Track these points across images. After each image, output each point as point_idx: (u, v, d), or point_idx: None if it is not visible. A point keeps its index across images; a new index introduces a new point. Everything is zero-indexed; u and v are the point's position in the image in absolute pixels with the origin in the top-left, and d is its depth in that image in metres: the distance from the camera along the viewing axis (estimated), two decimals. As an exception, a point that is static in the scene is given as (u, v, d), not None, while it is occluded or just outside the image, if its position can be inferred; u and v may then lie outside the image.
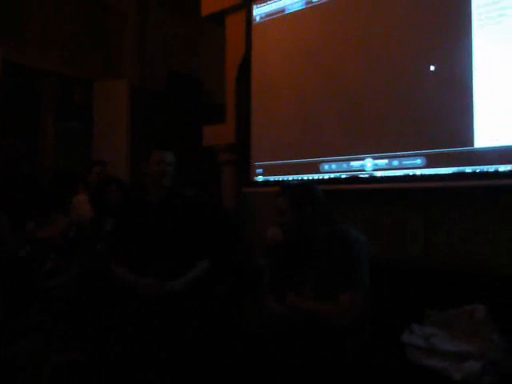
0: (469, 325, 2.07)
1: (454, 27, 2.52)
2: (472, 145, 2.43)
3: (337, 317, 1.79)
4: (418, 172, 2.63)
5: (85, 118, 5.07)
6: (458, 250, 2.61)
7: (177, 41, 5.40)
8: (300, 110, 3.23)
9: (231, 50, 3.92)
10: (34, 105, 4.87)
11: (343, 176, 2.97)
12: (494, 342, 1.96)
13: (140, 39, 5.32)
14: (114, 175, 3.39)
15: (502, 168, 2.33)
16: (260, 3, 3.53)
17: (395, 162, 2.74)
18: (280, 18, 3.40)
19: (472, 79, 2.42)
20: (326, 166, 3.06)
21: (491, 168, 2.37)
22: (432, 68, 2.58)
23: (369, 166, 2.85)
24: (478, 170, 2.41)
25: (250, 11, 3.60)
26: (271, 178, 3.39)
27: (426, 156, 2.60)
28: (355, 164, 2.91)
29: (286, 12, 3.36)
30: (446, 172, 2.52)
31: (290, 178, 3.23)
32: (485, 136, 2.40)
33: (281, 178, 3.30)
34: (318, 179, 3.04)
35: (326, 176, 3.05)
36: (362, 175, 2.87)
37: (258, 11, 3.56)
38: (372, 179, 2.82)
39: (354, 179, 2.90)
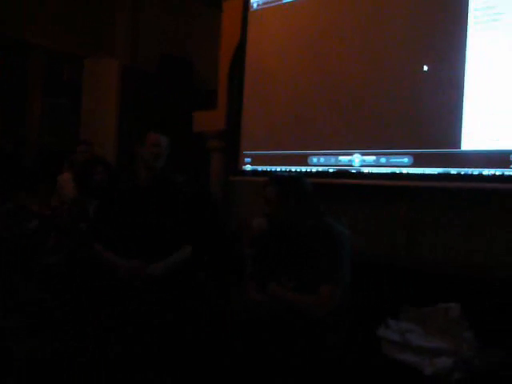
0: (443, 322, 2.12)
1: (450, 29, 2.54)
2: (459, 147, 2.47)
3: (314, 308, 1.82)
4: (405, 170, 2.67)
5: (73, 95, 4.98)
6: (439, 249, 2.67)
7: (171, 23, 5.32)
8: (292, 101, 3.23)
9: (226, 35, 3.88)
10: (22, 79, 4.77)
11: (331, 170, 2.99)
12: (467, 340, 2.02)
13: (133, 19, 5.23)
14: (99, 155, 3.36)
15: (486, 172, 2.37)
16: (258, -10, 3.50)
17: (383, 159, 2.77)
18: (277, 7, 3.38)
19: (464, 82, 2.46)
20: (315, 159, 3.08)
21: (476, 171, 2.41)
22: (425, 68, 2.60)
23: (357, 161, 2.87)
24: (462, 172, 2.46)
25: (247, -3, 3.57)
26: (259, 168, 3.40)
27: (413, 155, 2.64)
28: (343, 159, 2.94)
29: (284, 1, 3.34)
30: (432, 172, 2.56)
31: (278, 168, 3.25)
32: (472, 139, 2.44)
33: (269, 168, 3.31)
34: (306, 172, 3.06)
35: (314, 169, 3.07)
36: (350, 170, 2.89)
37: (256, -2, 3.52)
38: (359, 175, 2.85)
39: (342, 174, 2.93)
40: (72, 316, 2.07)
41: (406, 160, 2.67)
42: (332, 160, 2.99)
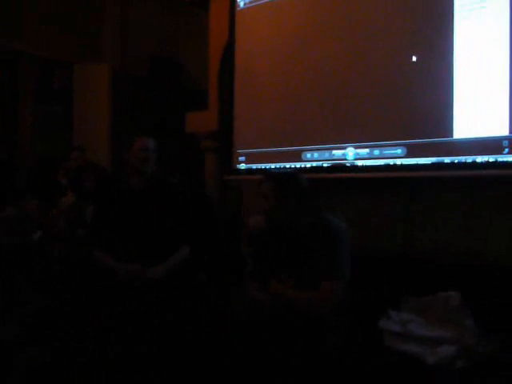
0: (444, 311, 2.13)
1: (437, 19, 2.54)
2: (451, 136, 2.48)
3: (317, 305, 1.81)
4: (399, 161, 2.67)
5: (65, 102, 4.97)
6: (436, 239, 2.67)
7: (159, 25, 5.31)
8: (283, 98, 3.23)
9: (214, 35, 3.87)
10: (13, 87, 4.75)
11: (325, 165, 2.99)
12: (468, 328, 2.03)
13: (122, 23, 5.22)
14: (92, 161, 3.35)
15: (479, 159, 2.38)
16: (244, -12, 3.49)
17: (376, 152, 2.77)
18: (264, 5, 3.37)
19: (453, 71, 2.46)
20: (309, 155, 3.08)
21: (469, 159, 2.42)
22: (414, 59, 2.60)
23: (350, 155, 2.88)
24: (456, 161, 2.46)
25: (233, -4, 3.56)
26: (253, 166, 3.40)
27: (407, 146, 2.64)
28: (337, 153, 2.94)
29: (270, -1, 3.33)
30: (426, 162, 2.56)
31: (273, 166, 3.24)
32: (464, 127, 2.44)
33: (263, 166, 3.31)
34: (301, 168, 3.06)
35: (308, 164, 3.07)
36: (344, 164, 2.89)
37: (242, -3, 3.52)
38: (354, 168, 2.85)
39: (336, 168, 2.93)
40: (72, 316, 2.06)
41: (399, 151, 2.67)
42: (326, 155, 2.99)
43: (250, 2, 3.46)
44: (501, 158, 2.32)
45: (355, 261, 1.92)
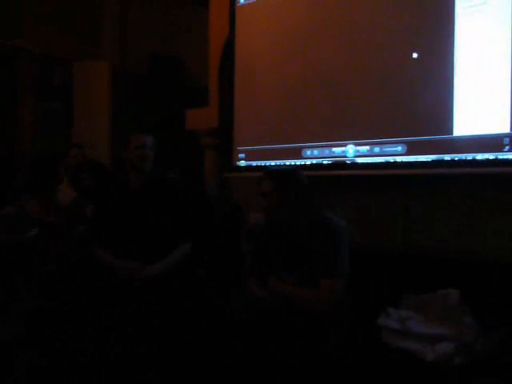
0: (443, 308, 2.13)
1: (438, 14, 2.53)
2: (451, 133, 2.47)
3: (316, 302, 1.81)
4: (399, 159, 2.67)
5: (65, 99, 4.96)
6: (435, 237, 2.67)
7: (159, 22, 5.29)
8: (283, 95, 3.22)
9: (214, 32, 3.86)
10: (12, 85, 4.74)
11: (325, 162, 2.99)
12: (467, 325, 2.03)
13: (121, 20, 5.20)
14: (92, 158, 3.35)
15: (480, 156, 2.37)
16: (243, -15, 3.48)
17: (376, 149, 2.77)
18: (264, 1, 3.36)
19: (454, 68, 2.45)
20: (309, 152, 3.07)
21: (469, 156, 2.41)
22: (414, 56, 2.59)
23: (350, 152, 2.87)
24: (456, 158, 2.45)
25: (233, -7, 3.54)
26: (253, 163, 3.39)
27: (407, 143, 2.63)
28: (337, 150, 2.93)
29: (269, -6, 3.32)
30: (426, 159, 2.56)
31: (273, 163, 3.24)
32: (464, 124, 2.43)
33: (263, 163, 3.30)
34: (300, 165, 3.06)
35: (308, 162, 3.06)
36: (344, 161, 2.89)
37: (242, -7, 3.50)
38: (354, 165, 2.85)
39: (336, 165, 2.92)
40: (72, 316, 2.07)
41: (399, 148, 2.67)
42: (326, 152, 2.99)
43: (250, -1, 3.45)
44: (501, 156, 2.31)
45: (355, 258, 1.93)
